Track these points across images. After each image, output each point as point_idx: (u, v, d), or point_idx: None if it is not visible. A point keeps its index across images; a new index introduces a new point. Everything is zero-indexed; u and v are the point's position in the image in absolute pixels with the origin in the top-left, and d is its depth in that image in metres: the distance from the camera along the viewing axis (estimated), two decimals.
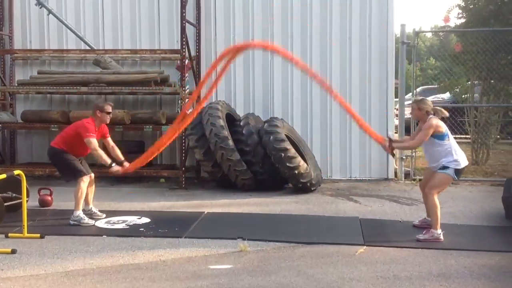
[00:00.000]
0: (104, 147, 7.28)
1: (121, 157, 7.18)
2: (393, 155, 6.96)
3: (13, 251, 5.63)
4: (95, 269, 5.19)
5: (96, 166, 7.91)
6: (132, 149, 10.00)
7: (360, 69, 10.32)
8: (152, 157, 7.40)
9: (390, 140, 6.56)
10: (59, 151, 6.93)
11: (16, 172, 6.25)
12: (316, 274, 4.99)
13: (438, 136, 6.14)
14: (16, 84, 10.41)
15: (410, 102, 11.02)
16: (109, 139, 7.25)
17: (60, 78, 9.84)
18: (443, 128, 6.18)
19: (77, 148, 6.95)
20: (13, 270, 5.15)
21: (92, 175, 7.17)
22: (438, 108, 6.35)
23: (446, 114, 6.34)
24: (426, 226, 6.43)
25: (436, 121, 6.15)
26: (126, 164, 7.13)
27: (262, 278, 4.88)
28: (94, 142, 6.83)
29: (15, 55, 10.76)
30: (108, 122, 7.14)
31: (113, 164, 7.00)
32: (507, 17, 11.46)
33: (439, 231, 6.07)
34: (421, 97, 6.74)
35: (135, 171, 9.15)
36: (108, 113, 7.04)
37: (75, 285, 4.75)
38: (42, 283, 4.81)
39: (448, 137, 6.18)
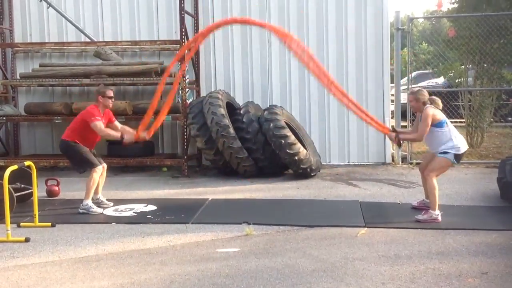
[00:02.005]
0: None
1: (131, 130, 7.36)
2: (400, 145, 7.07)
3: (27, 240, 5.81)
4: (108, 254, 5.38)
5: (103, 157, 8.10)
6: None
7: (356, 56, 10.49)
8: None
9: (396, 131, 6.69)
10: (71, 144, 7.09)
11: (27, 163, 6.42)
12: (320, 255, 5.19)
13: (437, 124, 6.32)
14: (18, 77, 10.54)
15: (405, 87, 11.29)
16: (116, 123, 7.43)
17: (63, 71, 9.99)
18: (440, 116, 6.36)
19: (88, 137, 7.12)
20: (28, 257, 5.33)
21: (105, 165, 7.37)
22: (434, 97, 6.54)
23: (440, 106, 6.51)
24: (424, 207, 6.64)
25: (432, 111, 6.32)
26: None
27: (269, 260, 5.08)
28: (99, 124, 7.00)
29: (16, 48, 10.87)
30: (110, 106, 7.27)
31: (124, 136, 7.16)
32: (498, 1, 11.64)
33: (437, 211, 6.28)
34: (417, 88, 6.87)
35: (138, 161, 9.53)
36: (110, 97, 7.19)
37: (90, 270, 4.93)
38: (58, 269, 4.99)
39: (447, 124, 6.37)
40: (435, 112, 6.33)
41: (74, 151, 7.12)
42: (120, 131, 7.31)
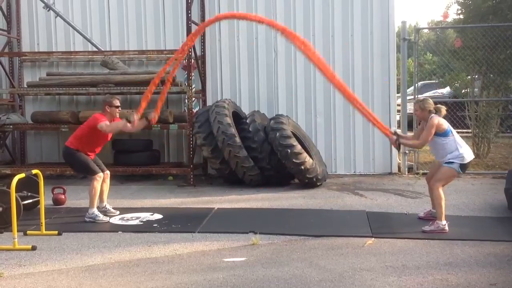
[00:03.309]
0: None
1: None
2: (399, 149, 7.07)
3: (33, 248, 5.81)
4: (114, 263, 5.37)
5: (109, 165, 8.10)
6: (141, 148, 10.23)
7: (362, 66, 10.49)
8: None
9: (397, 135, 6.64)
10: (73, 151, 7.09)
11: (34, 171, 6.43)
12: (327, 265, 5.17)
13: (442, 133, 6.30)
14: (25, 86, 10.58)
15: (411, 97, 11.27)
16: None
17: (70, 80, 10.02)
18: (445, 125, 6.35)
19: (92, 145, 7.13)
20: (35, 266, 5.33)
21: (108, 172, 7.36)
22: (439, 105, 6.53)
23: (444, 112, 6.49)
24: (431, 218, 6.61)
25: (437, 120, 6.30)
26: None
27: (275, 270, 5.06)
28: (105, 124, 6.94)
29: (24, 57, 10.92)
30: (117, 116, 7.28)
31: (130, 119, 7.11)
32: (505, 12, 11.65)
33: (444, 222, 6.25)
34: (422, 97, 6.86)
35: (144, 170, 9.61)
36: (117, 106, 7.19)
37: (96, 279, 4.93)
38: (65, 277, 4.98)
39: (452, 133, 6.35)
40: (440, 121, 6.31)
41: (74, 158, 7.12)
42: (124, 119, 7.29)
